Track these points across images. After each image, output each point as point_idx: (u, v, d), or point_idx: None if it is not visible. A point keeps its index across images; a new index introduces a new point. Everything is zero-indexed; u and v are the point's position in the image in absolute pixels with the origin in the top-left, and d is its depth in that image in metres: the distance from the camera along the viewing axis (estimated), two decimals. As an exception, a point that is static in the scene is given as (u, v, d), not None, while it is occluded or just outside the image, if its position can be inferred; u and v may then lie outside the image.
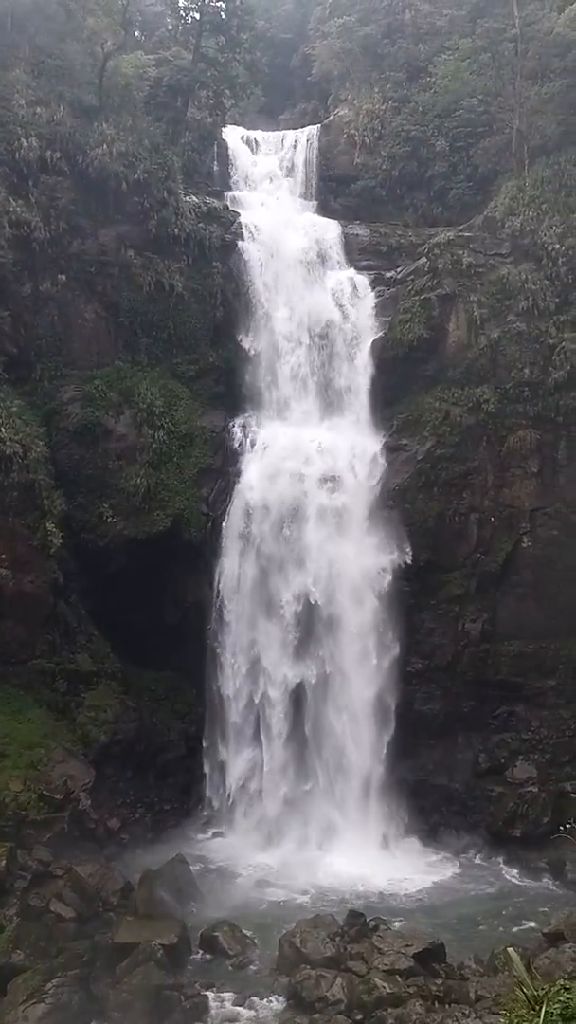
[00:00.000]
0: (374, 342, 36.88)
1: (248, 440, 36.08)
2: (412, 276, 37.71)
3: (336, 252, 39.33)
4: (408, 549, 34.32)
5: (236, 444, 36.04)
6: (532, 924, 26.77)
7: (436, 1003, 21.79)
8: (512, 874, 31.12)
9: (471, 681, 34.52)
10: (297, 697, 33.92)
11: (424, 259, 37.63)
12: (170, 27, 48.74)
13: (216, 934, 25.42)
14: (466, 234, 37.48)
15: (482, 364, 35.62)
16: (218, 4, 43.27)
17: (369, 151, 43.14)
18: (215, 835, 33.38)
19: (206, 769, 34.54)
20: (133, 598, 34.15)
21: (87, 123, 36.70)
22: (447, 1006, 21.65)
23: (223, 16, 43.20)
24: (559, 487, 34.87)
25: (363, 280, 38.46)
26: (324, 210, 42.35)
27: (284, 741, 33.65)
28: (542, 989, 8.92)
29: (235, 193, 42.02)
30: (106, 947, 24.00)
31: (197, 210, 37.97)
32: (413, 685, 34.19)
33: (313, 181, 43.82)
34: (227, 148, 44.20)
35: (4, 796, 27.69)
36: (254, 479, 35.20)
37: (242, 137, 45.17)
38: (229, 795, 33.87)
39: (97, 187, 36.12)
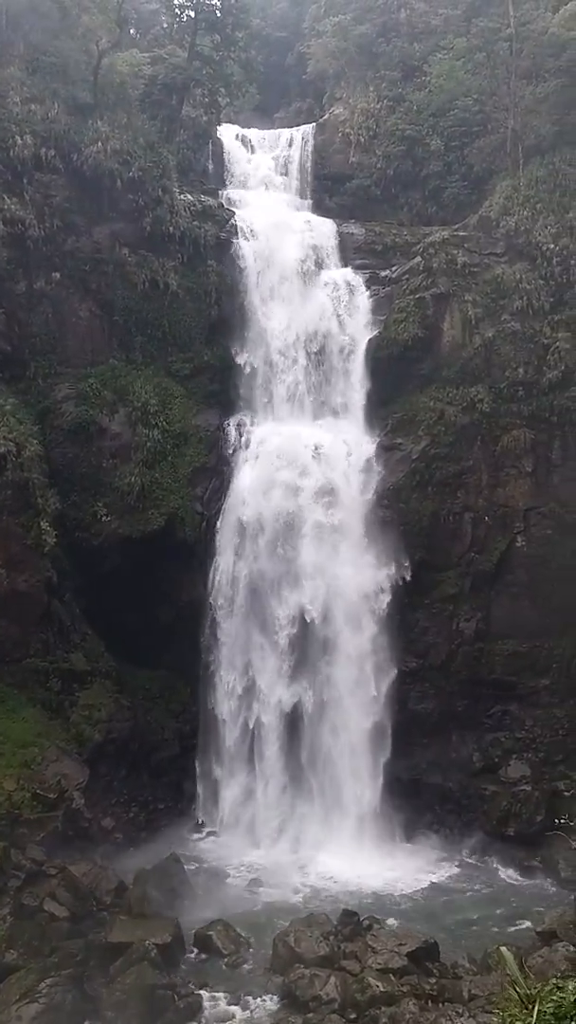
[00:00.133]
0: (369, 341, 36.88)
1: (243, 440, 36.02)
2: (407, 275, 37.72)
3: (331, 251, 39.29)
4: (407, 564, 34.33)
5: (231, 444, 36.01)
6: (525, 923, 26.83)
7: (429, 1002, 21.85)
8: (506, 873, 31.15)
9: (465, 680, 34.56)
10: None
11: (419, 258, 37.63)
12: (165, 25, 48.64)
13: (210, 933, 25.43)
14: (461, 233, 37.50)
15: (476, 364, 35.65)
16: (213, 2, 43.21)
17: (364, 150, 43.10)
18: (209, 834, 33.40)
19: (199, 790, 34.46)
20: (127, 597, 34.11)
21: (82, 121, 36.64)
22: (440, 1005, 21.71)
23: (218, 14, 43.12)
24: (553, 487, 34.91)
25: (358, 279, 38.45)
26: (319, 209, 42.34)
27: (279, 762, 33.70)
28: (535, 988, 8.91)
29: (230, 191, 41.95)
30: (100, 946, 23.99)
31: (192, 208, 37.91)
32: (407, 684, 34.20)
33: (308, 180, 43.81)
34: (222, 146, 44.15)
35: (-2, 795, 27.67)
36: (247, 493, 34.94)
37: (237, 135, 45.12)
38: (222, 819, 33.85)
39: (92, 185, 36.07)
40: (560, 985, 8.70)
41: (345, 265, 39.08)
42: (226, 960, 24.88)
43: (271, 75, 51.97)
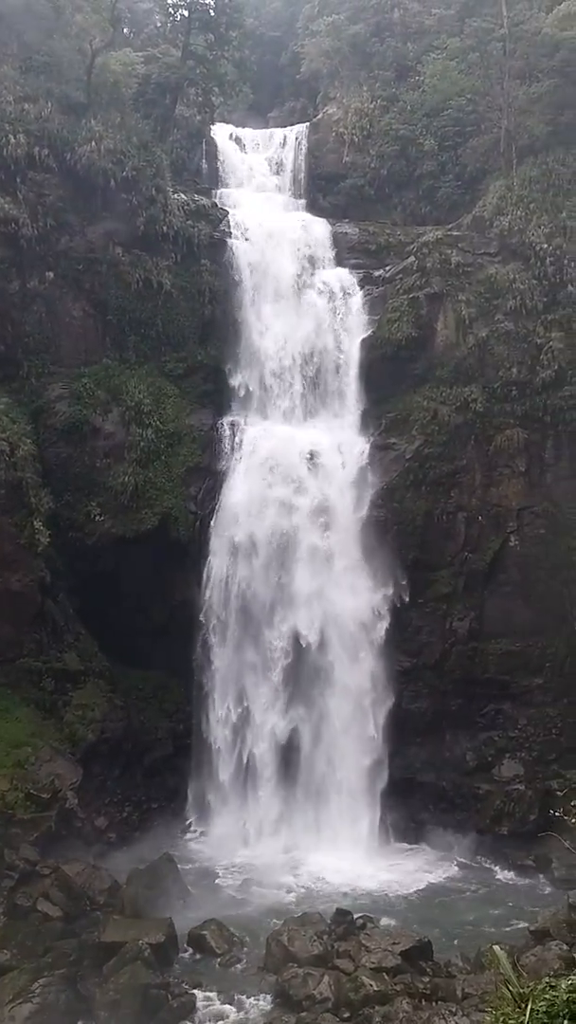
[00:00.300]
0: (363, 341, 36.89)
1: (236, 439, 36.00)
2: (400, 275, 37.75)
3: (325, 251, 39.30)
4: (404, 582, 34.35)
5: (224, 444, 36.00)
6: (519, 922, 26.86)
7: (423, 1001, 21.86)
8: (499, 872, 31.23)
9: (459, 679, 34.58)
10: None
11: (412, 258, 37.67)
12: (159, 24, 48.61)
13: (203, 933, 25.40)
14: (454, 233, 37.56)
15: (470, 363, 35.70)
16: (207, 1, 43.23)
17: (358, 150, 43.15)
18: (203, 834, 33.35)
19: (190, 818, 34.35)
20: (121, 597, 34.11)
21: (75, 120, 36.62)
22: (434, 1004, 21.72)
23: (212, 13, 43.11)
24: (546, 486, 34.97)
25: (352, 279, 38.45)
26: (313, 208, 42.39)
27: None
28: (528, 987, 8.94)
29: (223, 191, 41.97)
30: (93, 946, 23.96)
31: (185, 208, 37.90)
32: (401, 683, 34.21)
33: (302, 179, 43.87)
34: (215, 146, 44.17)
35: (-9, 795, 27.65)
36: (239, 509, 34.68)
37: (231, 135, 45.16)
38: (216, 817, 33.81)
39: (85, 184, 36.03)
40: (553, 984, 8.73)
41: (339, 265, 39.09)
42: (220, 959, 24.85)
43: (265, 74, 52.02)
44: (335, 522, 34.57)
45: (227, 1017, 22.67)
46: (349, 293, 38.11)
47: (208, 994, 23.34)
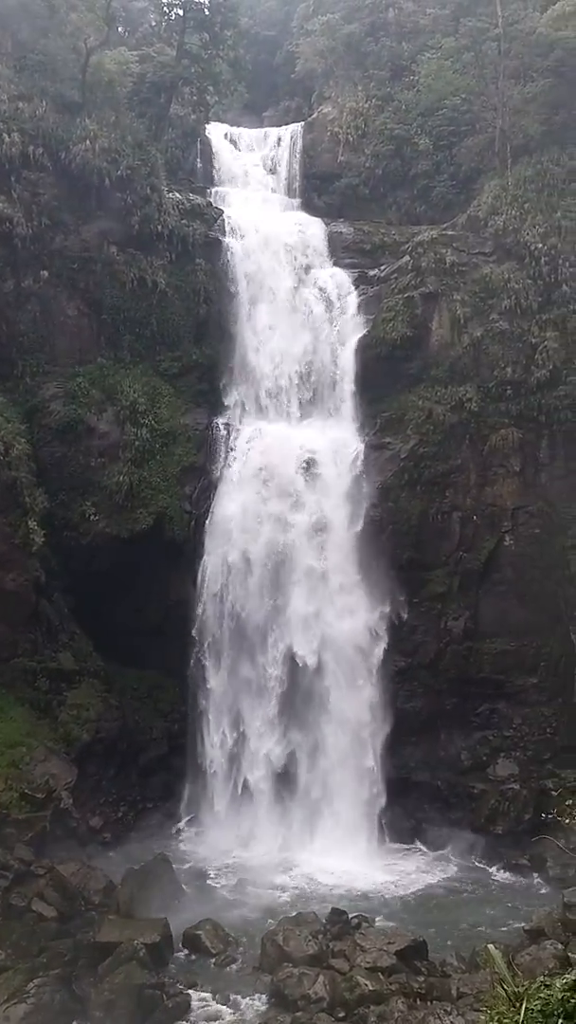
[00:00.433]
0: (358, 340, 36.89)
1: (232, 439, 35.96)
2: (395, 274, 37.76)
3: (320, 250, 39.31)
4: (402, 598, 34.33)
5: (219, 444, 35.95)
6: (513, 921, 26.87)
7: (418, 1000, 21.88)
8: (494, 871, 31.21)
9: (454, 679, 34.60)
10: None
11: (407, 257, 37.68)
12: (153, 23, 48.59)
13: (199, 933, 25.39)
14: (449, 233, 37.57)
15: (465, 363, 35.71)
16: (201, 1, 43.15)
17: (353, 149, 43.17)
18: (198, 834, 33.30)
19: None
20: (116, 596, 34.05)
21: (70, 119, 36.56)
22: (429, 1003, 21.74)
23: (206, 13, 43.08)
24: (541, 486, 35.00)
25: (347, 278, 38.46)
26: (307, 208, 42.41)
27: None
28: (523, 986, 8.94)
29: (218, 190, 41.96)
30: (88, 946, 23.93)
31: (180, 207, 37.88)
32: (396, 683, 34.21)
33: (296, 179, 43.87)
34: (210, 145, 44.16)
35: (-15, 795, 27.60)
36: (232, 525, 34.51)
37: (225, 134, 45.16)
38: (212, 815, 33.75)
39: (80, 183, 35.98)
40: (548, 983, 8.72)
41: (334, 264, 39.10)
42: (215, 959, 24.85)
43: (259, 74, 52.03)
44: (330, 540, 34.39)
45: (222, 1017, 22.66)
46: (344, 293, 38.11)
47: (203, 994, 23.34)
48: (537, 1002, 8.42)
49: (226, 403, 37.04)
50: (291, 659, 33.45)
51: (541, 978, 9.03)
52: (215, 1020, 22.55)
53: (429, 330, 36.35)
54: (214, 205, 39.58)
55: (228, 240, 38.21)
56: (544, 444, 35.03)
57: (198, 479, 35.56)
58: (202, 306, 37.30)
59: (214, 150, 44.13)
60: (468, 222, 37.58)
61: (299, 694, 33.42)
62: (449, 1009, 21.37)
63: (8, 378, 34.53)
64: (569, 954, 21.59)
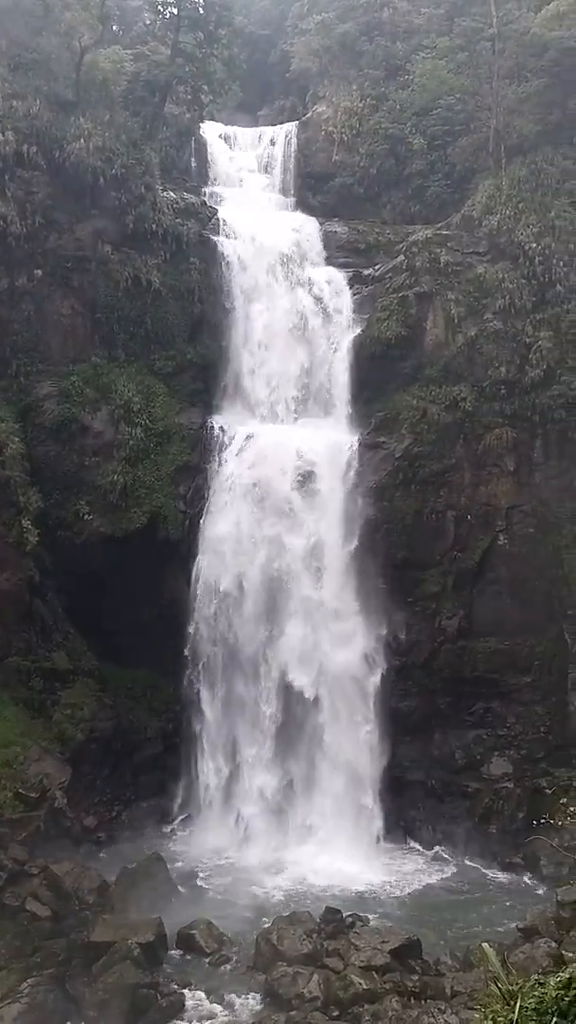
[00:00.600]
0: (352, 339, 36.91)
1: (226, 439, 35.92)
2: (390, 274, 37.78)
3: (314, 249, 39.31)
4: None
5: (214, 443, 35.91)
6: (507, 919, 26.90)
7: (412, 999, 21.91)
8: (488, 870, 31.26)
9: (448, 678, 34.63)
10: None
11: (402, 257, 37.70)
12: (148, 22, 48.45)
13: (193, 932, 25.37)
14: (444, 232, 37.61)
15: (459, 362, 35.74)
16: (196, -1, 43.16)
17: (347, 148, 43.17)
18: (192, 833, 33.28)
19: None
20: (110, 596, 33.99)
21: (64, 117, 36.47)
22: (423, 1002, 21.78)
23: (201, 11, 43.01)
24: (535, 485, 35.05)
25: (341, 277, 38.46)
26: (302, 207, 42.42)
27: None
28: (517, 984, 8.94)
29: (213, 189, 41.94)
30: (82, 946, 23.90)
31: (175, 206, 37.82)
32: (391, 682, 34.23)
33: (291, 178, 43.86)
34: (205, 144, 44.11)
35: (-21, 795, 27.55)
36: (224, 547, 34.33)
37: (220, 133, 45.11)
38: (206, 812, 33.76)
39: (74, 182, 35.92)
40: (542, 981, 8.73)
41: (328, 264, 39.13)
42: (209, 959, 24.83)
43: (254, 73, 51.96)
44: (326, 562, 34.24)
45: (216, 1016, 22.67)
46: (338, 292, 38.11)
47: (197, 993, 23.33)
48: (531, 1000, 8.43)
49: (220, 402, 37.01)
50: (287, 689, 33.25)
51: (535, 976, 9.04)
52: (209, 1019, 22.56)
53: (423, 330, 36.36)
54: (208, 204, 39.56)
55: (222, 239, 38.20)
56: (538, 444, 35.07)
57: (192, 478, 35.54)
58: (196, 305, 37.28)
59: (208, 149, 44.08)
60: (462, 222, 37.62)
61: (295, 727, 33.21)
62: (443, 1008, 21.42)
63: (2, 377, 34.46)
64: (563, 952, 21.63)
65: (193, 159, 43.91)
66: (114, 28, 46.79)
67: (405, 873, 30.84)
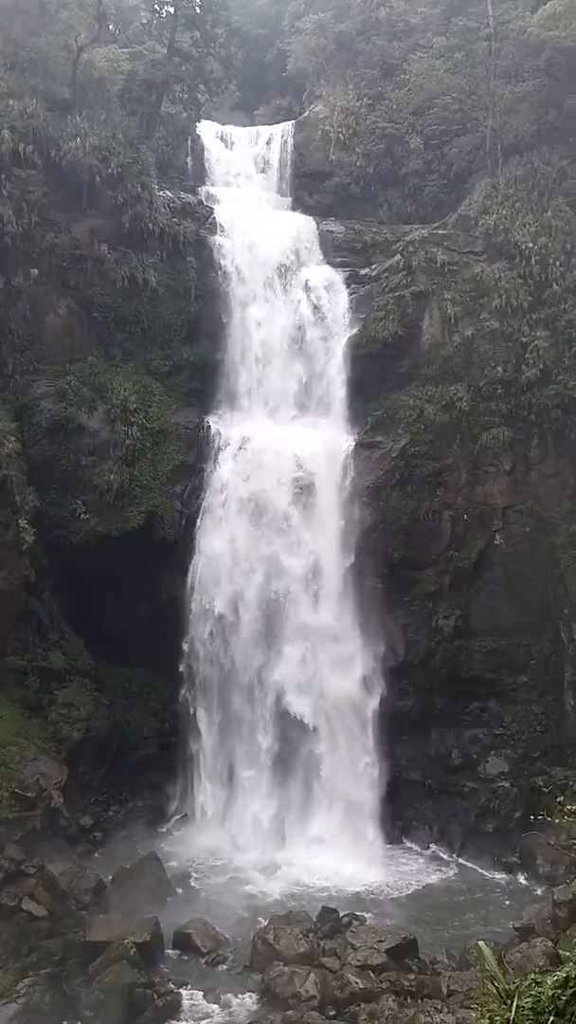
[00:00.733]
0: (349, 339, 36.87)
1: (223, 438, 35.89)
2: (387, 273, 37.76)
3: (311, 249, 39.26)
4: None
5: (210, 443, 35.85)
6: (504, 919, 26.94)
7: (408, 998, 21.95)
8: (484, 869, 31.29)
9: (444, 677, 34.63)
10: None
11: (398, 256, 37.69)
12: (144, 21, 48.44)
13: (189, 932, 25.39)
14: (440, 232, 37.60)
15: (456, 362, 35.73)
16: (193, -2, 43.14)
17: (344, 148, 43.13)
18: (188, 833, 33.24)
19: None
20: (106, 595, 33.98)
21: (60, 116, 36.48)
22: (419, 1001, 21.81)
23: (197, 11, 43.04)
24: (531, 485, 35.06)
25: (338, 277, 38.41)
26: (299, 206, 42.38)
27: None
28: (513, 983, 8.95)
29: (209, 188, 41.90)
30: (79, 945, 23.94)
31: (171, 205, 37.83)
32: (387, 682, 34.22)
33: (288, 177, 43.78)
34: (201, 143, 44.04)
35: (-25, 795, 27.53)
36: (220, 567, 34.22)
37: (216, 133, 45.01)
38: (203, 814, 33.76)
39: (70, 181, 35.89)
40: (538, 980, 8.74)
41: (325, 263, 39.06)
42: (205, 958, 24.86)
43: (251, 72, 52.02)
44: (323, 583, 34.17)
45: (213, 1016, 22.69)
46: (335, 291, 38.07)
47: (194, 993, 23.36)
48: (528, 999, 8.44)
49: (217, 402, 36.98)
50: (284, 716, 33.18)
51: (532, 975, 9.04)
52: (205, 1019, 22.58)
53: (420, 329, 36.35)
54: (205, 203, 39.53)
55: (219, 238, 38.16)
56: (534, 443, 35.10)
57: (189, 478, 35.51)
58: (193, 304, 37.27)
59: (205, 148, 44.01)
60: (459, 221, 37.62)
61: (292, 754, 33.17)
62: (439, 1007, 21.45)
63: (-2, 376, 34.44)
64: (559, 951, 21.60)
65: (190, 158, 43.86)
66: (111, 27, 46.70)
67: (402, 873, 30.85)
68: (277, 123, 46.39)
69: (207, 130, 44.73)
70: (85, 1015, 21.93)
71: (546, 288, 35.48)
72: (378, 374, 36.31)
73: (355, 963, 23.22)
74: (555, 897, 25.42)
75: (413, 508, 34.86)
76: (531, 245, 35.70)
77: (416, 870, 31.15)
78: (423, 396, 35.63)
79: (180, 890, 28.43)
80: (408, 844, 32.91)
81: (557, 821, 21.66)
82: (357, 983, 22.39)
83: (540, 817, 28.78)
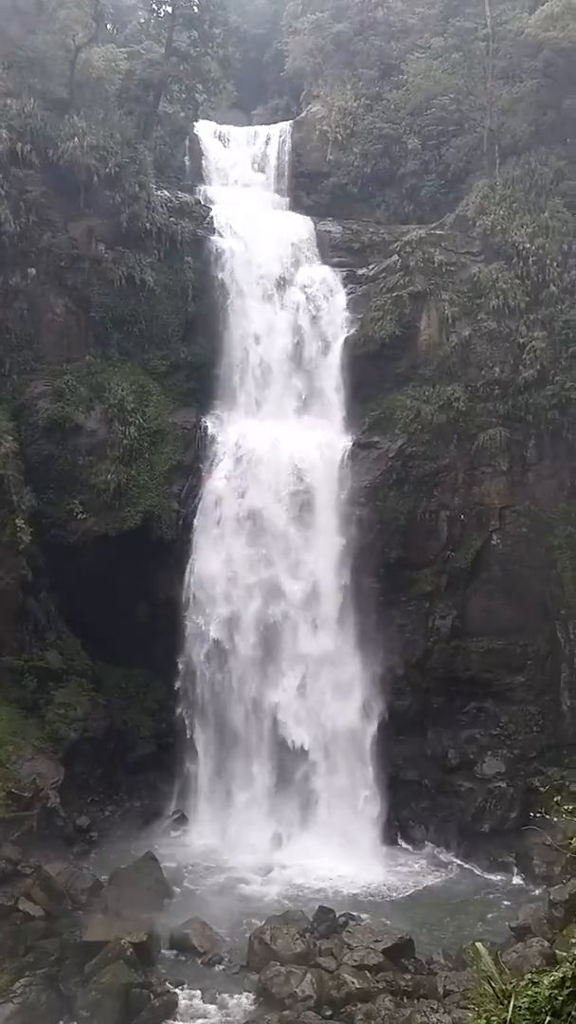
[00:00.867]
0: (346, 339, 36.88)
1: (219, 439, 35.85)
2: (384, 273, 37.79)
3: (309, 249, 39.28)
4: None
5: (208, 443, 35.84)
6: (500, 919, 26.96)
7: (405, 998, 21.96)
8: (480, 869, 31.31)
9: (441, 677, 34.64)
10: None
11: (396, 257, 37.71)
12: (142, 20, 48.40)
13: (186, 932, 25.37)
14: (438, 232, 37.64)
15: (453, 362, 35.77)
16: (190, -2, 43.14)
17: (341, 148, 43.16)
18: (185, 833, 33.23)
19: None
20: (103, 595, 33.90)
21: (58, 116, 36.46)
22: (416, 1001, 21.83)
23: (195, 10, 43.03)
24: (528, 485, 35.10)
25: (335, 277, 38.43)
26: (296, 206, 42.40)
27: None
28: (510, 983, 8.97)
29: (207, 188, 41.88)
30: (75, 945, 23.89)
31: (168, 205, 37.83)
32: (384, 682, 34.22)
33: (285, 177, 43.80)
34: (199, 143, 44.05)
35: (-28, 794, 27.49)
36: (215, 582, 34.22)
37: (214, 132, 45.03)
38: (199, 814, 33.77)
39: (68, 180, 35.88)
40: (535, 980, 8.76)
41: (322, 263, 39.07)
42: (202, 958, 24.83)
43: (249, 72, 51.99)
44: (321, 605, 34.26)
45: (209, 1016, 22.67)
46: (333, 292, 38.08)
47: (190, 993, 23.34)
48: (525, 999, 8.46)
49: (214, 402, 36.97)
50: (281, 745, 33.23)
51: (528, 975, 9.07)
52: (202, 1019, 22.56)
53: (417, 329, 36.38)
54: (202, 203, 39.52)
55: (216, 238, 38.15)
56: (531, 444, 35.14)
57: (186, 478, 35.50)
58: (190, 304, 37.27)
59: (203, 148, 44.03)
60: (456, 222, 37.66)
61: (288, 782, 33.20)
62: (436, 1007, 21.47)
63: (-5, 376, 34.42)
64: (556, 951, 21.64)
65: (187, 158, 43.85)
66: (108, 26, 46.70)
67: (398, 873, 30.84)
68: (275, 123, 46.43)
69: (205, 130, 44.74)
70: (81, 1015, 21.90)
71: (543, 289, 35.53)
72: (375, 374, 36.33)
73: (351, 963, 23.23)
74: (551, 897, 25.44)
75: (410, 508, 34.88)
76: (528, 246, 35.76)
77: (413, 871, 31.14)
78: (420, 396, 35.65)
79: (177, 890, 28.41)
80: (404, 844, 32.89)
81: (554, 820, 21.70)
82: (353, 983, 22.40)
83: (538, 815, 28.92)
